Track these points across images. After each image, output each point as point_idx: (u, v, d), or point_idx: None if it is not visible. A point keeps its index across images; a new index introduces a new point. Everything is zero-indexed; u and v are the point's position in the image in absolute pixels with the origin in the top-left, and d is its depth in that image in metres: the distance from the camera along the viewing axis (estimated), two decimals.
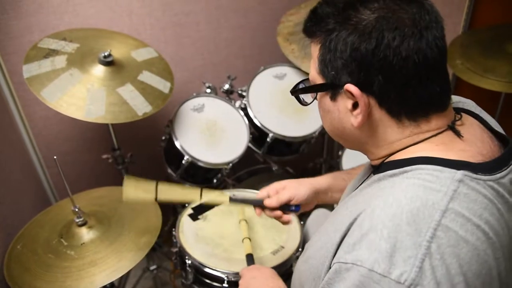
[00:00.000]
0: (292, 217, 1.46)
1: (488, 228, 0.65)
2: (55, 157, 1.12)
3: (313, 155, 2.32)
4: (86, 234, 1.20)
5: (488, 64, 1.64)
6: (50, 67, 1.42)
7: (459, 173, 0.65)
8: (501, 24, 1.84)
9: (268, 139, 1.80)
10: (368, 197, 0.69)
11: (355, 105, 0.71)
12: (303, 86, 0.81)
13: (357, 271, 0.61)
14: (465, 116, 0.78)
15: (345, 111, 0.73)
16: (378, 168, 0.76)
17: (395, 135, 0.72)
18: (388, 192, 0.66)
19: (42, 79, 1.39)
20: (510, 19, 1.86)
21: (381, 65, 0.65)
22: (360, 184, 0.82)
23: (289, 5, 2.09)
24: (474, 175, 0.66)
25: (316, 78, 0.75)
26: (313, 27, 0.73)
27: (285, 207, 1.13)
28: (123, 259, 1.14)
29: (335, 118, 0.76)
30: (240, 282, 1.07)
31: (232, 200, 1.13)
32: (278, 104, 1.86)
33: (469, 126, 0.75)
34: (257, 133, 1.83)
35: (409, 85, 0.67)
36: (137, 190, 1.07)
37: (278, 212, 1.12)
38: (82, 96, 1.41)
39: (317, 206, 1.56)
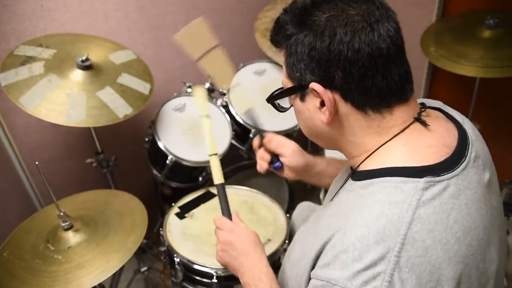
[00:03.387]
0: (278, 211, 1.51)
1: (458, 227, 0.67)
2: (36, 162, 1.12)
3: None
4: (72, 237, 1.20)
5: (461, 50, 1.68)
6: (27, 74, 1.42)
7: (422, 181, 0.68)
8: (471, 11, 1.88)
9: (251, 135, 1.82)
10: (341, 213, 0.73)
11: (322, 103, 0.74)
12: (277, 93, 0.84)
13: None
14: (430, 110, 0.81)
15: (314, 109, 0.77)
16: (354, 173, 0.79)
17: (364, 130, 0.75)
18: (356, 212, 0.69)
19: (20, 86, 1.38)
20: (480, 5, 1.90)
21: (338, 60, 0.69)
22: (339, 190, 0.85)
23: (266, 1, 2.11)
24: (438, 178, 0.69)
25: (286, 82, 0.80)
26: (276, 36, 0.78)
27: (272, 158, 1.16)
28: (110, 260, 1.15)
29: (307, 118, 0.80)
30: (218, 248, 1.02)
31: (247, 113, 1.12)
32: (259, 100, 1.87)
33: (434, 118, 0.79)
34: (240, 130, 1.85)
35: (367, 76, 0.70)
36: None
37: (267, 156, 1.16)
38: (61, 102, 1.41)
39: (302, 200, 1.59)
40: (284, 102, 0.85)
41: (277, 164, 1.16)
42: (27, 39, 1.54)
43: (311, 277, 0.71)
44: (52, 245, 1.20)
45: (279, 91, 0.83)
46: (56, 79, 1.44)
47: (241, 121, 1.81)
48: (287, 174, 1.18)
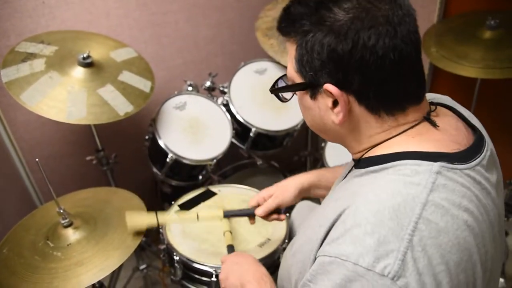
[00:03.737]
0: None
1: (468, 215, 0.67)
2: (37, 159, 1.12)
3: (297, 148, 2.35)
4: (72, 235, 1.20)
5: (461, 51, 1.67)
6: (28, 71, 1.42)
7: (436, 165, 0.67)
8: (471, 11, 1.88)
9: (251, 134, 1.82)
10: (351, 193, 0.71)
11: (335, 103, 0.72)
12: (282, 84, 0.82)
13: (343, 265, 0.63)
14: (440, 108, 0.81)
15: (326, 108, 0.74)
16: (359, 162, 0.78)
17: (374, 129, 0.74)
18: (370, 189, 0.68)
19: (21, 83, 1.39)
20: (481, 6, 1.90)
21: (359, 65, 0.67)
22: (343, 179, 0.85)
23: (267, 0, 2.11)
24: (451, 165, 0.68)
25: (294, 76, 0.76)
26: (287, 27, 0.73)
27: (275, 211, 1.22)
28: (110, 258, 1.15)
29: (316, 115, 0.77)
30: (223, 267, 1.08)
31: (226, 215, 1.24)
32: (260, 99, 1.87)
33: (443, 116, 0.78)
34: (240, 129, 1.85)
35: (387, 82, 0.68)
36: (139, 218, 1.22)
37: (273, 216, 1.22)
38: (62, 99, 1.41)
39: (302, 199, 1.59)
40: (287, 92, 0.82)
41: (284, 211, 1.23)
42: (28, 36, 1.54)
43: (318, 255, 0.69)
44: (52, 242, 1.20)
45: (283, 84, 0.81)
46: (57, 76, 1.44)
47: (241, 120, 1.81)
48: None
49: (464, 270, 0.66)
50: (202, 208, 1.52)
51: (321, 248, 0.70)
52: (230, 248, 1.25)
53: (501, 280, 1.74)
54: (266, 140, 1.93)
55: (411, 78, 0.70)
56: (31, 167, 1.90)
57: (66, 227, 1.21)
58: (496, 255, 0.77)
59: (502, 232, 0.81)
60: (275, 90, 0.81)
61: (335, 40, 0.66)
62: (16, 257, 1.17)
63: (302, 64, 0.73)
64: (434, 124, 0.73)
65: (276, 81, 0.83)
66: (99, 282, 1.40)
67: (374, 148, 0.75)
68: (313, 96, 0.75)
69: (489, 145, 0.77)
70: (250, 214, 1.24)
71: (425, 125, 0.74)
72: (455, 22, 1.86)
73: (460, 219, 0.66)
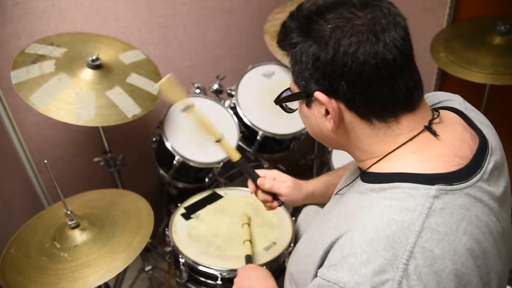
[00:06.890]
0: (284, 213, 1.50)
1: (467, 238, 0.67)
2: (45, 161, 1.13)
3: (304, 152, 2.35)
4: (79, 236, 1.21)
5: (471, 57, 1.66)
6: (38, 72, 1.43)
7: (434, 189, 0.67)
8: (481, 16, 1.87)
9: (258, 137, 1.82)
10: (350, 213, 0.72)
11: (327, 111, 0.74)
12: (284, 95, 0.85)
13: None
14: (447, 114, 0.80)
15: (320, 116, 0.77)
16: (363, 174, 0.78)
17: (370, 138, 0.75)
18: (366, 214, 0.68)
19: (30, 84, 1.40)
20: (491, 11, 1.89)
21: (342, 71, 0.68)
22: (346, 186, 0.85)
23: (275, 3, 2.11)
24: (449, 187, 0.68)
25: (293, 87, 0.80)
26: (282, 41, 0.77)
27: (274, 197, 1.15)
28: (116, 260, 1.15)
29: (313, 123, 0.80)
30: (235, 279, 1.11)
31: (239, 163, 1.14)
32: (267, 102, 1.87)
33: (449, 125, 0.77)
34: (247, 132, 1.85)
35: (371, 87, 0.69)
36: (172, 88, 1.10)
37: (269, 197, 1.15)
38: (71, 100, 1.42)
39: (308, 204, 1.59)
40: (292, 103, 0.85)
41: (280, 203, 1.16)
42: (38, 38, 1.56)
43: (318, 275, 0.70)
44: (59, 243, 1.21)
45: (286, 95, 0.83)
46: (67, 78, 1.45)
47: (248, 123, 1.81)
48: (291, 205, 1.20)
49: None
50: (207, 211, 1.53)
51: (320, 268, 0.71)
52: (248, 259, 1.27)
53: None
54: (273, 144, 1.93)
55: (399, 84, 0.70)
56: (40, 168, 1.92)
57: (73, 228, 1.22)
58: (503, 269, 0.76)
59: (507, 243, 0.79)
60: (278, 101, 0.85)
61: (318, 49, 0.69)
62: (23, 257, 1.18)
63: (296, 75, 0.76)
64: (434, 134, 0.73)
65: (281, 93, 0.85)
66: (105, 283, 1.41)
67: (380, 162, 0.75)
68: (308, 105, 0.78)
69: (493, 155, 0.76)
70: (255, 179, 1.14)
71: (426, 135, 0.73)
72: (464, 27, 1.85)
73: (457, 244, 0.65)
